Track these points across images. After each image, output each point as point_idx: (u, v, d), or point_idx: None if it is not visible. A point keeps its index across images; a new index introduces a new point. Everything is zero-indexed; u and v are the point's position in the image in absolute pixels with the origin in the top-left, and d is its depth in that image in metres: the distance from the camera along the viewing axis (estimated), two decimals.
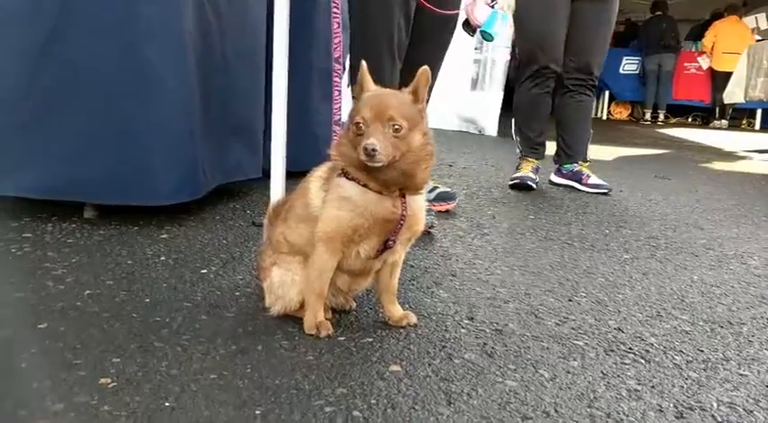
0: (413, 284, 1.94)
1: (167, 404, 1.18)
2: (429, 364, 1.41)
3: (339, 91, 2.23)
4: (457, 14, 2.67)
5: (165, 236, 2.28)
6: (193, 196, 2.47)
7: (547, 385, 1.35)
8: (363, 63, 1.47)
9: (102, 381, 1.25)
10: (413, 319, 1.61)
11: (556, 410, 1.25)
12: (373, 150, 1.33)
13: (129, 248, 2.11)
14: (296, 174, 2.25)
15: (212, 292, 1.77)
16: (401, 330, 1.58)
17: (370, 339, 1.52)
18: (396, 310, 1.61)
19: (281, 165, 2.38)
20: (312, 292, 1.51)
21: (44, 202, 2.39)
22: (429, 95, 1.54)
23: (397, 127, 1.37)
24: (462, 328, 1.63)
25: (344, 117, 3.39)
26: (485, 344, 1.53)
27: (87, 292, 1.72)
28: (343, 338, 1.51)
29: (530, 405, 1.26)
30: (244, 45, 2.82)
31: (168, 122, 2.36)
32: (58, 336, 1.44)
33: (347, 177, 1.44)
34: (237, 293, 1.77)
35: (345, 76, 3.66)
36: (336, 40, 2.26)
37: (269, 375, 1.31)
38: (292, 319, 1.57)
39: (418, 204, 1.50)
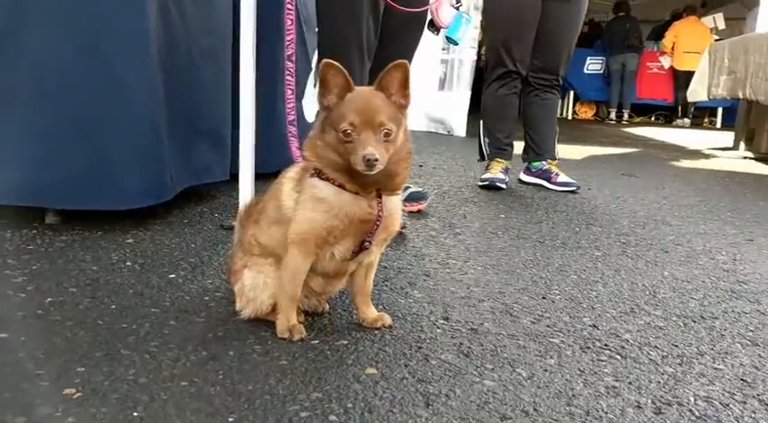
0: (386, 285, 1.92)
1: (136, 414, 1.14)
2: (405, 366, 1.38)
3: (292, 90, 2.20)
4: (425, 11, 2.66)
5: (130, 240, 2.22)
6: (160, 199, 2.41)
7: (525, 384, 1.33)
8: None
9: (67, 391, 1.20)
10: (387, 320, 1.59)
11: (535, 409, 1.23)
12: (375, 161, 1.30)
13: (94, 254, 2.05)
14: (264, 175, 2.22)
15: (181, 297, 1.72)
16: (376, 332, 1.55)
17: (345, 342, 1.49)
18: (370, 312, 1.59)
19: (250, 166, 2.34)
20: (285, 295, 1.47)
21: (2, 207, 2.30)
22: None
23: (387, 131, 1.35)
24: (438, 328, 1.61)
25: (309, 117, 3.39)
26: (461, 344, 1.52)
27: (49, 299, 1.65)
28: (316, 342, 1.48)
29: (508, 404, 1.24)
30: (209, 43, 2.76)
31: (132, 123, 2.29)
32: (19, 346, 1.38)
33: (320, 177, 1.41)
34: (207, 298, 1.73)
35: (311, 76, 3.63)
36: (289, 38, 2.22)
37: (241, 381, 1.28)
38: (264, 323, 1.53)
39: (394, 204, 1.48)
